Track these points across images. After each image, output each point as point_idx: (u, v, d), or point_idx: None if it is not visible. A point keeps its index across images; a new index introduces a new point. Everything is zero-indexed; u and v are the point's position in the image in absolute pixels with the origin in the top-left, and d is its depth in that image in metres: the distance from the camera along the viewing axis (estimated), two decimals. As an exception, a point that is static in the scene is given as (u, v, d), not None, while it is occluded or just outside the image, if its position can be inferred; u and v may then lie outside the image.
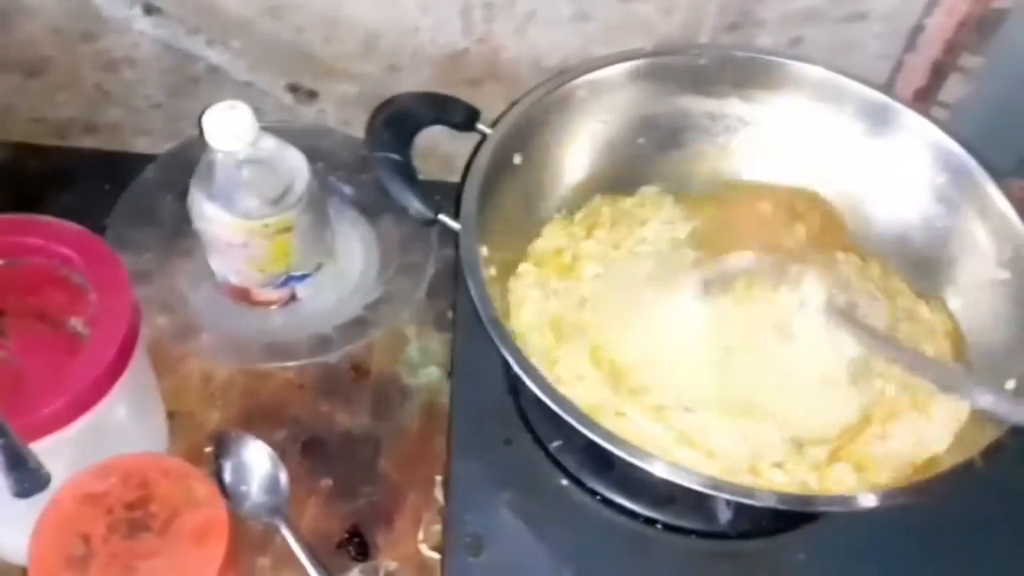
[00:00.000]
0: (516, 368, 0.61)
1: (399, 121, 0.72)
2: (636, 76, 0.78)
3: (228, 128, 0.72)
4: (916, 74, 0.88)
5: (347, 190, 0.91)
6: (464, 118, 0.75)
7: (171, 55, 0.88)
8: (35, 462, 0.58)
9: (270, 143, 0.75)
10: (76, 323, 0.66)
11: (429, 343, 0.87)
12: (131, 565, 0.61)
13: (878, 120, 0.78)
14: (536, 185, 0.76)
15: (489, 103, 0.81)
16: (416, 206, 0.70)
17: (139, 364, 0.67)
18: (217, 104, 0.73)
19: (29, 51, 0.89)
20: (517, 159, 0.73)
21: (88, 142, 0.97)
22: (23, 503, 0.60)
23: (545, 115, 0.75)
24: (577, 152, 0.79)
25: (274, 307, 0.85)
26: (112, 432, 0.66)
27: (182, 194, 0.85)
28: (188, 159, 0.87)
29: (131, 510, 0.63)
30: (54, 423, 0.62)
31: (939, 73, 0.88)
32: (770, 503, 0.58)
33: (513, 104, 0.75)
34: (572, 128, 0.77)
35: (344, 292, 0.87)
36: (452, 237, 0.86)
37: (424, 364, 0.86)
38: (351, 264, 0.88)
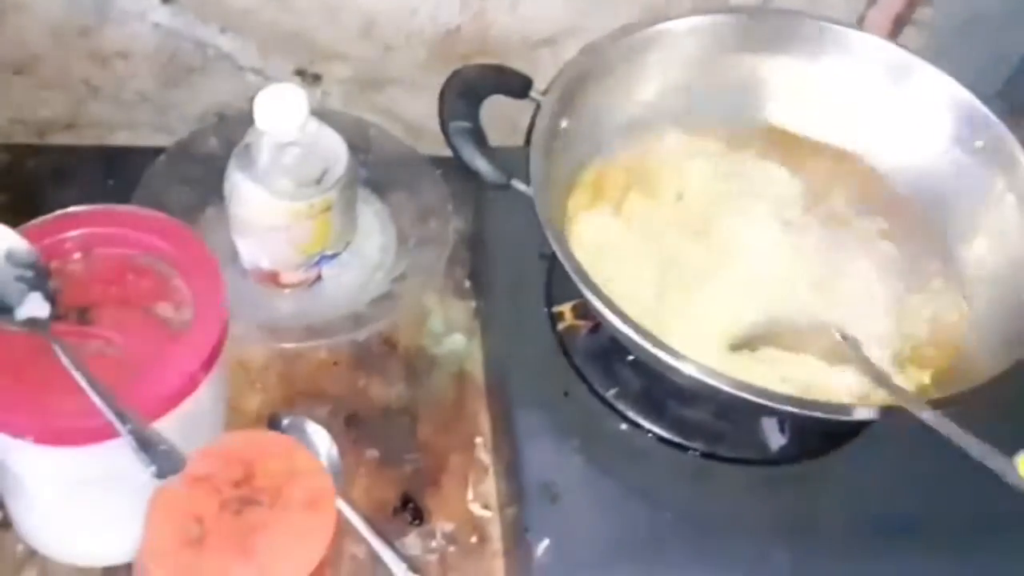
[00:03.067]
0: (625, 329, 0.65)
1: (468, 92, 0.74)
2: (675, 37, 0.81)
3: (281, 110, 0.74)
4: (878, 27, 0.95)
5: (359, 171, 0.92)
6: (519, 87, 0.78)
7: (169, 46, 0.88)
8: (167, 443, 0.59)
9: (312, 125, 0.77)
10: (165, 308, 0.66)
11: (451, 312, 0.89)
12: (246, 538, 0.62)
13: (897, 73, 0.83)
14: (582, 148, 0.79)
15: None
16: (489, 171, 0.72)
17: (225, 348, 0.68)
18: (269, 87, 0.74)
19: (18, 49, 0.87)
20: (564, 124, 0.76)
21: (67, 138, 0.96)
22: (123, 494, 0.62)
23: (586, 80, 0.78)
24: (619, 113, 0.82)
25: (300, 289, 0.86)
26: (199, 417, 0.67)
27: (193, 184, 0.86)
28: (197, 150, 0.88)
29: (239, 487, 0.63)
30: (160, 410, 0.62)
31: (899, 25, 0.95)
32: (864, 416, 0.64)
33: (561, 71, 0.78)
34: (612, 91, 0.80)
35: (366, 269, 0.89)
36: (461, 209, 0.91)
37: (448, 333, 0.88)
38: (369, 242, 0.90)
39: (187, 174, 0.87)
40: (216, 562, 0.61)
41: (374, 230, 0.91)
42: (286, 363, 0.84)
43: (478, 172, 0.72)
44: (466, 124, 0.72)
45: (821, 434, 0.76)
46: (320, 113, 0.90)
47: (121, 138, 0.96)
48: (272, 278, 0.85)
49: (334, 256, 0.85)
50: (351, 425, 0.82)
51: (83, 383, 0.59)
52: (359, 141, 0.92)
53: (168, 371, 0.63)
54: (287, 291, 0.86)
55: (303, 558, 0.62)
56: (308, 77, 0.92)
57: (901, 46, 0.83)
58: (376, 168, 0.93)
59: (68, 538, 0.71)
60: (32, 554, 0.72)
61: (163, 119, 0.94)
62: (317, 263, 0.84)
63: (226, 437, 0.66)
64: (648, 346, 0.64)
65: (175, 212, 0.85)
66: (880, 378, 0.69)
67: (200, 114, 0.94)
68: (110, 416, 0.58)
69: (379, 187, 0.93)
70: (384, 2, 0.87)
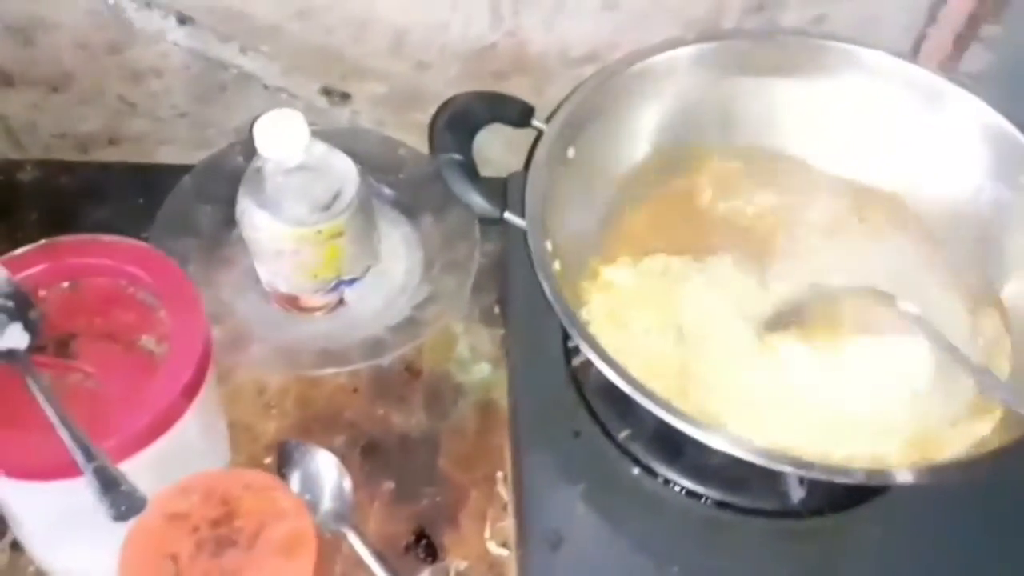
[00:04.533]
0: (603, 367, 0.62)
1: (459, 122, 0.72)
2: (685, 63, 0.78)
3: (281, 136, 0.72)
4: (939, 46, 0.89)
5: (386, 191, 0.91)
6: (519, 115, 0.75)
7: (199, 63, 0.87)
8: (128, 485, 0.58)
9: (319, 149, 0.75)
10: (148, 341, 0.65)
11: (478, 339, 0.87)
12: (221, 582, 0.61)
13: (929, 100, 0.79)
14: (590, 176, 0.76)
15: (517, 95, 0.80)
16: (482, 205, 0.70)
17: (210, 379, 0.67)
18: (268, 112, 0.72)
19: (53, 66, 0.88)
20: (571, 153, 0.73)
21: (111, 155, 0.96)
22: (105, 526, 0.59)
23: (595, 108, 0.75)
24: (628, 142, 0.79)
25: (322, 313, 0.85)
26: (185, 450, 0.66)
27: (220, 204, 0.85)
28: (224, 168, 0.88)
29: (216, 527, 0.62)
30: (135, 445, 0.61)
31: (961, 45, 0.89)
32: (858, 480, 0.59)
33: (565, 99, 0.75)
34: (622, 119, 0.77)
35: (390, 294, 0.86)
36: (492, 232, 0.87)
37: (475, 361, 0.86)
38: (395, 265, 0.88)
39: (214, 193, 0.87)
40: (189, 606, 0.59)
41: (400, 253, 0.89)
42: (304, 387, 0.83)
43: (470, 206, 0.69)
44: (456, 157, 0.69)
45: (845, 487, 0.71)
46: (349, 132, 0.91)
47: (164, 153, 0.96)
48: (292, 302, 0.83)
49: (353, 281, 0.83)
50: (368, 455, 0.80)
51: (53, 418, 0.58)
52: (389, 160, 0.91)
53: (145, 404, 0.62)
54: (315, 315, 0.85)
55: (277, 606, 0.60)
56: (336, 96, 0.90)
57: (934, 71, 0.79)
58: (405, 188, 0.91)
59: (70, 562, 0.71)
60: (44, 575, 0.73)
61: (202, 135, 0.94)
62: (335, 288, 0.82)
63: (209, 473, 0.65)
64: (640, 398, 0.61)
65: (200, 232, 0.86)
66: (949, 348, 0.65)
67: (237, 128, 0.93)
68: (75, 453, 0.57)
69: (408, 209, 0.91)
70: (413, 16, 0.84)
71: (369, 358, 0.82)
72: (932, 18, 0.88)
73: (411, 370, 0.84)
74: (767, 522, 0.71)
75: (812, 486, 0.70)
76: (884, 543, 0.70)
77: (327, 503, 0.74)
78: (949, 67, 0.90)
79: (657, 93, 0.78)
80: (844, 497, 0.72)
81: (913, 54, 0.89)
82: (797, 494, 0.70)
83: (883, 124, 0.80)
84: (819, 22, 0.87)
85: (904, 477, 0.61)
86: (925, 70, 0.79)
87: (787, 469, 0.60)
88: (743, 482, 0.71)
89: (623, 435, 0.73)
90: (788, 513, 0.71)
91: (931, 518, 0.70)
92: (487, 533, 0.77)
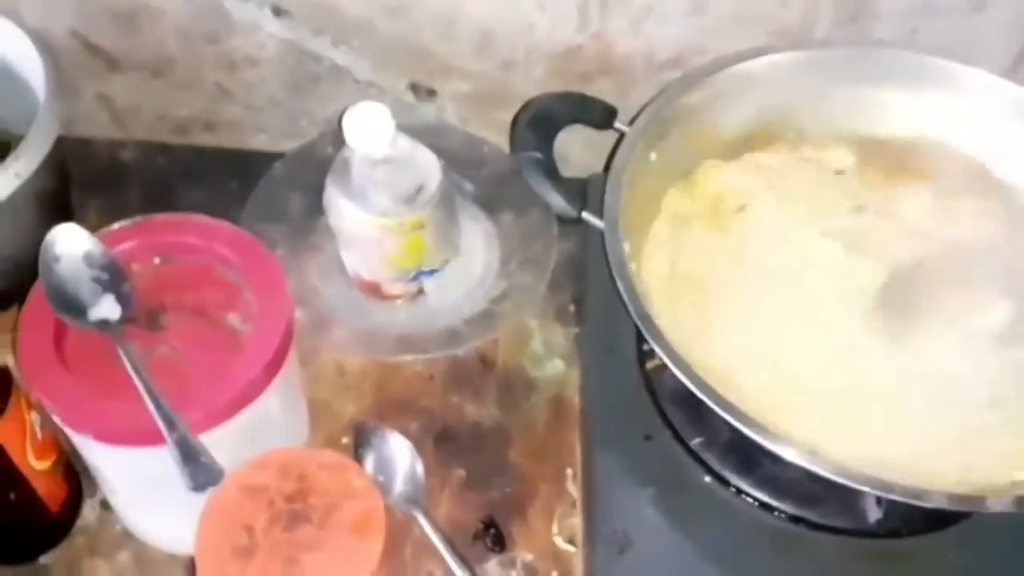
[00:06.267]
0: (683, 378, 0.62)
1: (541, 121, 0.73)
2: (772, 71, 0.78)
3: (368, 128, 0.74)
4: None
5: (468, 186, 0.92)
6: (602, 117, 0.76)
7: (292, 55, 0.89)
8: (208, 456, 0.60)
9: (404, 143, 0.77)
10: (233, 319, 0.67)
11: (552, 336, 0.88)
12: (293, 556, 0.62)
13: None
14: (671, 181, 0.77)
15: (601, 97, 0.81)
16: (560, 204, 0.71)
17: (291, 359, 0.69)
18: (357, 105, 0.75)
19: (155, 52, 0.91)
20: (653, 156, 0.74)
21: (208, 139, 0.99)
22: (186, 493, 0.62)
23: (679, 112, 0.75)
24: (712, 148, 0.79)
25: (402, 301, 0.86)
26: (265, 424, 0.68)
27: (309, 191, 0.87)
28: (315, 157, 0.90)
29: (291, 502, 0.64)
30: (217, 417, 0.63)
31: None
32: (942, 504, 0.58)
33: (649, 102, 0.75)
34: (706, 125, 0.77)
35: (468, 286, 0.88)
36: (570, 231, 0.88)
37: (549, 357, 0.86)
38: (474, 259, 0.90)
39: (304, 181, 0.89)
40: (262, 576, 0.61)
41: (479, 248, 0.90)
42: (383, 372, 0.84)
43: (549, 204, 0.70)
44: (536, 155, 0.70)
45: (926, 510, 0.68)
46: (435, 127, 0.92)
47: (258, 141, 0.99)
48: (374, 289, 0.85)
49: (432, 272, 0.85)
50: (440, 442, 0.81)
51: (140, 387, 0.61)
52: (472, 157, 0.92)
53: (227, 380, 0.64)
54: (395, 303, 0.87)
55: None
56: (422, 92, 0.92)
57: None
58: (486, 185, 0.92)
59: (153, 525, 0.74)
60: (130, 535, 0.75)
61: (295, 124, 0.96)
62: (415, 278, 0.84)
63: (286, 450, 0.67)
64: (717, 407, 0.60)
65: (290, 218, 0.89)
66: None
67: (329, 120, 0.95)
68: (159, 422, 0.59)
69: (488, 205, 0.92)
70: (500, 16, 0.85)
71: (445, 348, 0.83)
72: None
73: (486, 362, 0.86)
74: (842, 540, 0.69)
75: (890, 506, 0.69)
76: (960, 570, 0.68)
77: (399, 485, 0.76)
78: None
79: (742, 100, 0.78)
80: (924, 520, 0.70)
81: (1013, 71, 0.86)
82: (874, 514, 0.69)
83: (980, 143, 0.79)
84: (913, 35, 0.86)
85: (995, 506, 0.59)
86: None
87: (864, 488, 0.59)
88: (819, 497, 0.70)
89: (696, 442, 0.73)
90: (864, 532, 0.70)
91: (1013, 544, 0.69)
92: (554, 528, 0.77)
